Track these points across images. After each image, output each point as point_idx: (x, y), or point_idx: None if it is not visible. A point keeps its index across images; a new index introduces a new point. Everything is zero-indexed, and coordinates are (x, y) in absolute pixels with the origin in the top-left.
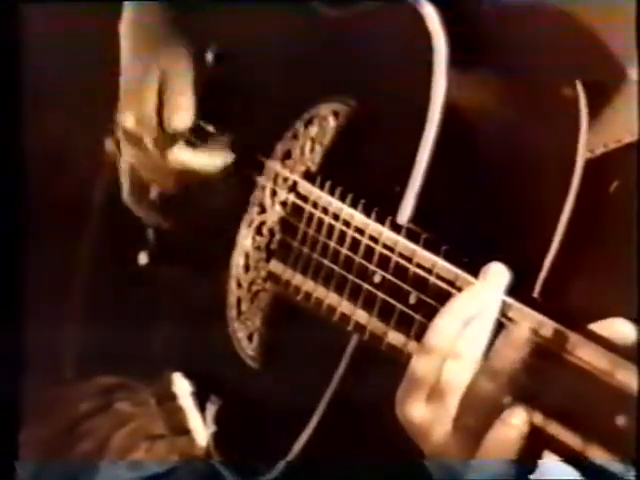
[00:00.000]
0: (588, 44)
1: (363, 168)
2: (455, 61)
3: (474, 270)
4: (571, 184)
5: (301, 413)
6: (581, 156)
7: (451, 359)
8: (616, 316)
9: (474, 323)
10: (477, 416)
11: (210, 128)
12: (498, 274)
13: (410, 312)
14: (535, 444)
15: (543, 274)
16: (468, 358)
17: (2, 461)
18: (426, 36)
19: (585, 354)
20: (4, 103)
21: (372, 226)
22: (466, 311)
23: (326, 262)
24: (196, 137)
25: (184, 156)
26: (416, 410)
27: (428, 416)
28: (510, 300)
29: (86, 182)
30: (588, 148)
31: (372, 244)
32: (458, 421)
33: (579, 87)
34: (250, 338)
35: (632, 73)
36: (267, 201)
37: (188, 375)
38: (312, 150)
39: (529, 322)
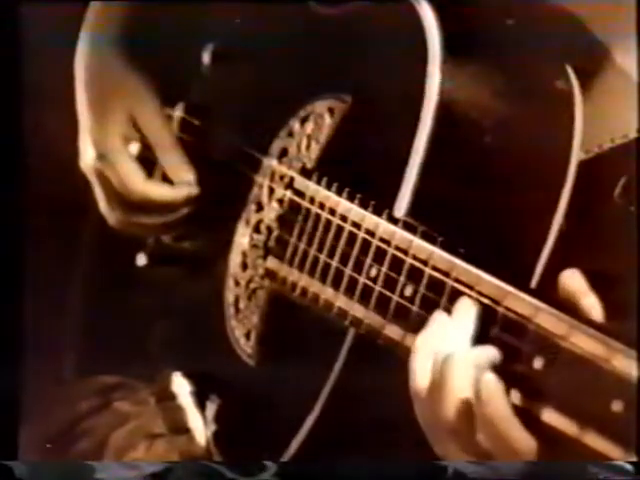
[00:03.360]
0: (573, 28)
1: (359, 164)
2: (449, 56)
3: (470, 260)
4: (567, 177)
5: (300, 410)
6: (576, 148)
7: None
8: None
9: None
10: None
11: (195, 122)
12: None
13: (407, 304)
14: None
15: (541, 263)
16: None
17: (1, 460)
18: (420, 32)
19: (581, 340)
20: (4, 103)
21: (369, 220)
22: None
23: (323, 257)
24: (183, 132)
25: (147, 189)
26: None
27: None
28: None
29: (86, 181)
30: (595, 143)
31: (369, 237)
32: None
33: (573, 79)
34: (248, 336)
35: (617, 56)
36: (264, 199)
37: (187, 374)
38: (308, 147)
39: (525, 309)
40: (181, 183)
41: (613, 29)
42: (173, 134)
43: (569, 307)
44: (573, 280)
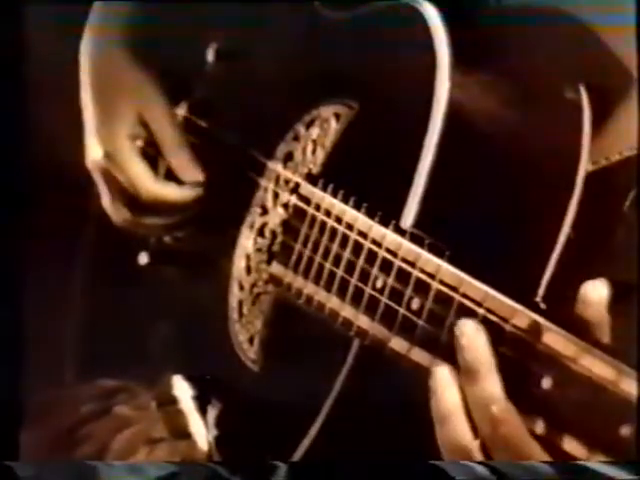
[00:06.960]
0: (594, 47)
1: (365, 171)
2: (458, 63)
3: (478, 275)
4: (575, 187)
5: (303, 416)
6: (584, 159)
7: None
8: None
9: None
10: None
11: (202, 123)
12: None
13: (413, 318)
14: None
15: (547, 274)
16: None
17: (2, 463)
18: (428, 38)
19: (589, 362)
20: (5, 102)
21: (375, 230)
22: None
23: (328, 265)
24: (187, 132)
25: (157, 189)
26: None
27: None
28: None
29: (87, 180)
30: (603, 155)
31: (375, 248)
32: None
33: (582, 90)
34: (251, 341)
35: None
36: (269, 203)
37: (189, 378)
38: (314, 152)
39: (534, 328)
40: (191, 183)
41: (620, 38)
42: (181, 133)
43: (580, 321)
44: (597, 291)
